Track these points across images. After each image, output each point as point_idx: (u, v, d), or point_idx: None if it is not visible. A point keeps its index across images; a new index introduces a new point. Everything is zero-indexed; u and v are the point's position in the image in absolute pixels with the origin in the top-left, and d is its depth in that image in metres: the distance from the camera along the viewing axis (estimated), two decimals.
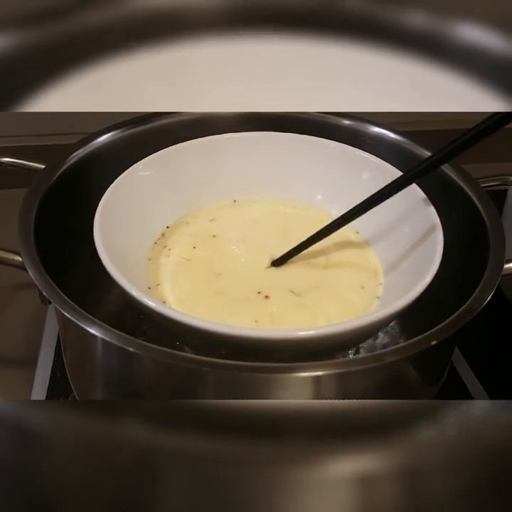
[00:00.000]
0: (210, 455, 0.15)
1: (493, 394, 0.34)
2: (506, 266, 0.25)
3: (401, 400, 0.17)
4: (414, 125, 0.35)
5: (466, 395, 0.34)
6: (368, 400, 0.17)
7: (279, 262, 0.31)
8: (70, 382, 0.31)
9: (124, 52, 0.22)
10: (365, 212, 0.28)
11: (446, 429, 0.16)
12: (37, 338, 0.37)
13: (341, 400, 0.18)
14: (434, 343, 0.21)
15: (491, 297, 0.23)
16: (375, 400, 0.17)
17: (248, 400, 0.18)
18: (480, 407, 0.17)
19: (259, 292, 0.29)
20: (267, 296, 0.29)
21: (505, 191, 0.40)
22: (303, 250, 0.30)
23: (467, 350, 0.36)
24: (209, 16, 0.21)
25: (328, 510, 0.15)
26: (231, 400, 0.17)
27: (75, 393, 0.31)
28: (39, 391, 0.33)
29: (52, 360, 0.35)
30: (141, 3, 0.22)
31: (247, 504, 0.15)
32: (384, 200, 0.27)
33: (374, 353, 0.21)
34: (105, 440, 0.15)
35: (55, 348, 0.36)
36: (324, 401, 0.18)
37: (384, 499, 0.15)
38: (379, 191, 0.27)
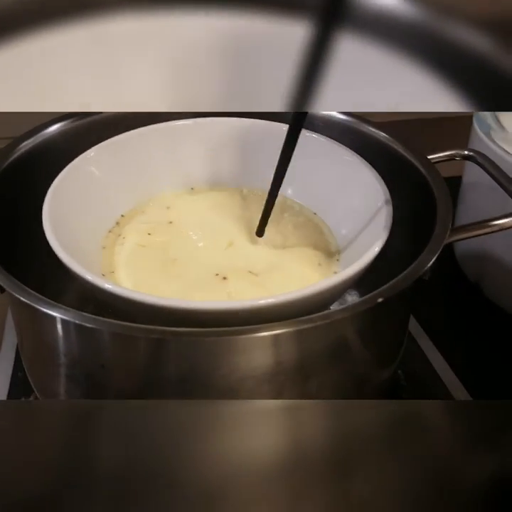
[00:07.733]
0: None
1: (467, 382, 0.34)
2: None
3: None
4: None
5: (433, 376, 0.35)
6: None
7: (260, 231, 0.31)
8: (28, 375, 0.30)
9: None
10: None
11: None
12: None
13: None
14: (380, 300, 0.22)
15: (451, 275, 0.24)
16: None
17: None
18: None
19: (217, 274, 0.29)
20: (224, 278, 0.29)
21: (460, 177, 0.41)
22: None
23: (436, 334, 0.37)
24: None
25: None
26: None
27: (34, 386, 0.30)
28: (0, 392, 0.33)
29: (13, 361, 0.35)
30: None
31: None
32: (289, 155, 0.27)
33: (323, 312, 0.21)
34: None
35: (16, 349, 0.36)
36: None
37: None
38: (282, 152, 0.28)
